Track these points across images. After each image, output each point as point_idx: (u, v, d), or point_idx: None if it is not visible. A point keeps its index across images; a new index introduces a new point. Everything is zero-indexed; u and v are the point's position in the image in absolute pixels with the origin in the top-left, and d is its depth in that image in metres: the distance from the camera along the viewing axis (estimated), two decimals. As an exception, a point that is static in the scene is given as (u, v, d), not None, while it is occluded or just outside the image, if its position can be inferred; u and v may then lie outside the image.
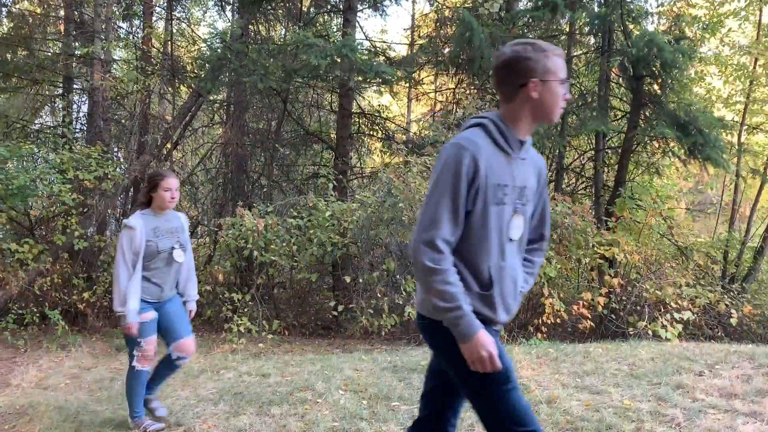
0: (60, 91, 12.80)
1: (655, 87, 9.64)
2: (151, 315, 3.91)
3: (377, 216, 8.09)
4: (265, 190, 12.37)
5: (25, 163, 9.43)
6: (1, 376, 5.97)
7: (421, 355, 5.85)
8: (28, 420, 4.34)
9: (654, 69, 9.16)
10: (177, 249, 4.00)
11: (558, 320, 7.76)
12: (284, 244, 8.21)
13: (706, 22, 10.84)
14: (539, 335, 7.55)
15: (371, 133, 13.62)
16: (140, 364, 3.90)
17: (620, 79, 10.56)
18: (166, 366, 4.10)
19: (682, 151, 9.35)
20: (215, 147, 13.61)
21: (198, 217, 13.58)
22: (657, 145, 10.47)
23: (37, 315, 8.36)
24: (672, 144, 9.74)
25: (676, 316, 7.69)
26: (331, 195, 8.83)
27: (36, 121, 13.20)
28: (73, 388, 5.41)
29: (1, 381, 5.76)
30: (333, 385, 4.80)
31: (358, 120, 13.25)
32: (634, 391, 4.18)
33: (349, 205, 8.37)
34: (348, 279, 8.31)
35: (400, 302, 7.59)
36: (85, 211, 9.41)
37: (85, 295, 8.65)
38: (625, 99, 11.17)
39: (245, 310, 8.28)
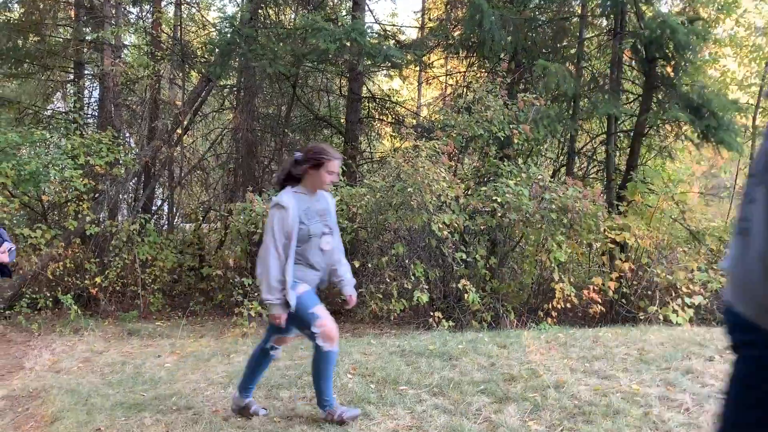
0: (71, 76, 12.86)
1: (668, 69, 9.49)
2: (303, 287, 3.53)
3: (386, 201, 8.07)
4: (275, 175, 12.36)
5: (37, 149, 9.50)
6: (15, 360, 6.06)
7: (429, 340, 5.87)
8: (40, 403, 4.41)
9: (667, 51, 9.01)
10: (326, 235, 3.59)
11: (568, 305, 7.74)
12: (294, 229, 8.20)
13: (722, 3, 10.65)
14: (549, 320, 7.53)
15: (381, 117, 13.56)
16: (326, 342, 3.48)
17: (632, 61, 10.41)
18: (261, 359, 3.79)
19: (695, 134, 9.23)
20: (225, 132, 13.62)
21: (209, 202, 13.63)
22: (669, 129, 10.34)
23: (50, 299, 8.47)
24: (685, 127, 9.61)
25: (688, 300, 7.64)
26: (341, 180, 8.81)
27: (48, 107, 13.26)
28: (85, 371, 5.48)
29: (15, 364, 5.84)
30: (341, 368, 4.82)
31: (367, 104, 13.19)
32: (642, 376, 4.17)
33: (358, 190, 8.35)
34: (357, 264, 8.31)
35: (409, 287, 7.58)
36: (96, 196, 9.48)
37: (97, 279, 8.74)
38: (637, 82, 11.03)
39: (256, 294, 8.32)
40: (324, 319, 3.49)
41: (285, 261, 3.42)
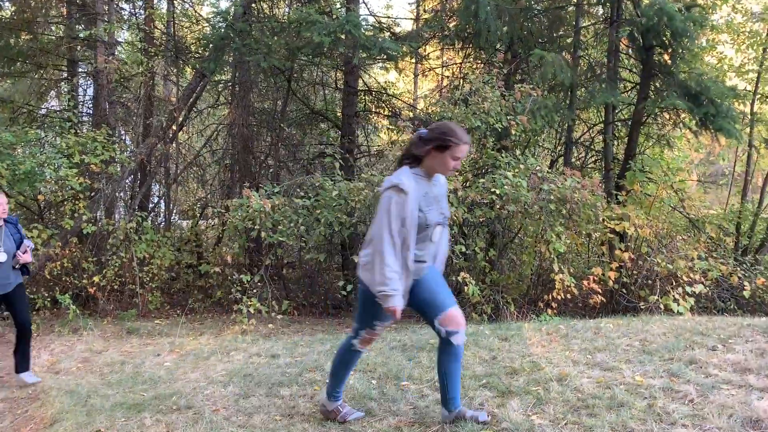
0: (65, 74, 12.76)
1: (666, 57, 9.45)
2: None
3: (384, 194, 8.02)
4: (271, 170, 12.32)
5: (31, 148, 9.43)
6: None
7: (430, 334, 5.83)
8: (40, 405, 4.37)
9: (664, 38, 8.97)
10: (440, 225, 3.27)
11: (568, 296, 7.71)
12: (292, 225, 8.18)
13: (718, -11, 10.60)
14: (549, 311, 7.51)
15: (377, 110, 13.50)
16: (362, 346, 3.42)
17: (629, 49, 10.37)
18: (447, 354, 3.31)
19: (694, 122, 9.19)
20: (221, 128, 13.56)
21: (206, 198, 13.58)
22: (668, 117, 10.31)
23: (48, 299, 8.43)
24: (683, 115, 9.58)
25: (688, 289, 7.62)
26: (338, 174, 8.77)
27: (42, 106, 13.17)
28: (84, 371, 5.45)
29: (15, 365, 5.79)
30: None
31: (364, 98, 13.12)
32: (646, 367, 4.14)
33: (357, 184, 8.30)
34: (356, 258, 8.27)
35: (409, 281, 7.54)
36: (92, 195, 9.42)
37: (95, 278, 8.70)
38: (634, 70, 10.97)
39: (255, 291, 8.29)
40: (376, 334, 3.40)
41: (401, 249, 3.11)
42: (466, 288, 7.49)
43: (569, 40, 10.38)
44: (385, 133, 14.45)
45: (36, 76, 12.69)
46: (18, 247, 4.98)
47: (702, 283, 7.79)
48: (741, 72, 12.04)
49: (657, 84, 9.67)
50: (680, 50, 9.25)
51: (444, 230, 3.37)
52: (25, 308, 5.09)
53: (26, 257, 5.00)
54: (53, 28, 12.46)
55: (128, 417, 3.90)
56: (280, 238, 8.17)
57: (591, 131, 11.79)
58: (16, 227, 5.08)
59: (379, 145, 13.74)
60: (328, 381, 3.63)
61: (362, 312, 3.37)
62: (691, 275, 7.81)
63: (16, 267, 4.98)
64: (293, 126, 13.17)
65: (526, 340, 5.25)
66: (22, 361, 5.16)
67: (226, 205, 8.96)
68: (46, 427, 3.90)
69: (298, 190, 9.02)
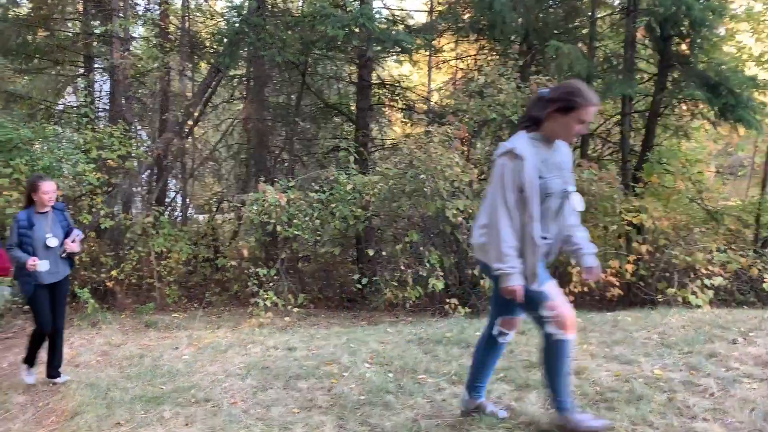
0: (81, 70, 12.86)
1: (684, 47, 9.33)
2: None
3: (399, 188, 8.02)
4: (286, 164, 12.36)
5: (49, 143, 9.52)
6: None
7: (446, 327, 5.83)
8: (61, 397, 4.43)
9: (682, 28, 8.86)
10: (568, 194, 2.93)
11: (585, 289, 7.67)
12: (307, 219, 8.21)
13: (738, -23, 10.43)
14: (566, 304, 7.46)
15: (391, 103, 13.47)
16: (559, 329, 2.92)
17: (647, 40, 10.24)
18: (489, 350, 3.22)
19: (712, 112, 9.08)
20: (236, 123, 13.60)
21: (222, 192, 13.65)
22: (685, 108, 10.18)
23: (68, 293, 8.50)
24: (701, 106, 9.46)
25: (707, 282, 7.55)
26: (353, 168, 8.77)
27: (59, 102, 13.29)
28: (103, 364, 5.50)
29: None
30: (359, 358, 4.80)
31: (378, 91, 13.10)
32: (665, 361, 4.10)
33: (371, 178, 8.31)
34: (371, 252, 8.29)
35: (424, 274, 7.54)
36: (110, 190, 9.50)
37: (113, 272, 8.78)
38: (651, 61, 10.84)
39: (271, 284, 8.33)
40: (556, 300, 2.90)
41: (518, 222, 2.79)
42: (482, 281, 7.48)
43: (585, 31, 10.28)
44: (399, 126, 14.42)
45: (53, 72, 12.80)
46: (67, 235, 4.75)
47: (721, 275, 7.70)
48: (761, 61, 11.83)
49: (675, 75, 9.55)
50: (699, 40, 9.12)
51: (569, 205, 2.96)
52: (63, 310, 4.90)
53: (74, 246, 4.74)
54: (69, 24, 12.57)
55: (147, 410, 3.94)
56: (296, 232, 8.20)
57: (608, 123, 11.68)
58: (63, 214, 4.86)
59: (393, 139, 13.72)
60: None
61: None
62: (710, 267, 7.73)
63: (63, 256, 4.75)
64: (308, 120, 13.18)
65: (543, 333, 5.23)
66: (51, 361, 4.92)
67: (242, 199, 9.01)
68: (67, 419, 3.95)
69: (313, 184, 9.04)
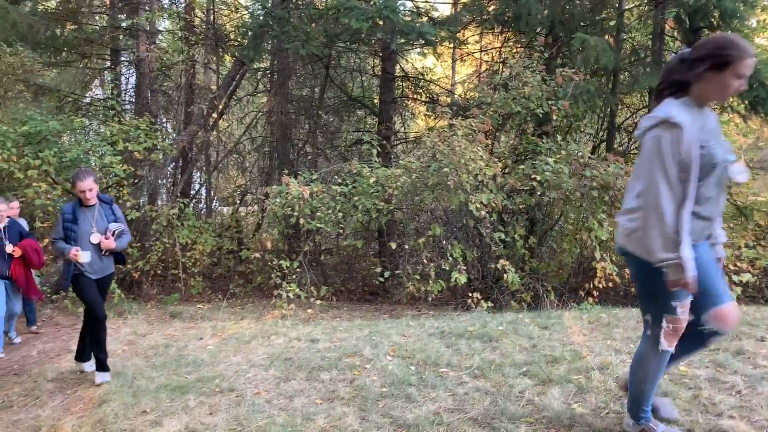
0: (108, 63, 13.04)
1: (714, 39, 9.13)
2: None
3: (422, 181, 8.00)
4: (309, 157, 12.40)
5: (77, 136, 9.67)
6: (63, 343, 6.21)
7: (468, 321, 5.81)
8: (88, 386, 4.51)
9: (712, 20, 8.67)
10: (732, 162, 2.53)
11: (610, 284, 7.58)
12: (330, 212, 8.23)
13: (770, -33, 10.18)
14: (590, 299, 7.40)
15: (415, 96, 13.44)
16: (669, 342, 2.61)
17: (675, 32, 10.05)
18: (692, 341, 2.74)
19: (742, 106, 8.90)
20: (260, 116, 13.68)
21: (246, 185, 13.75)
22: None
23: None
24: (731, 99, 9.26)
25: (735, 278, 7.42)
26: (375, 161, 8.77)
27: (86, 95, 13.49)
28: (129, 354, 5.59)
29: (63, 347, 5.99)
30: (381, 350, 4.81)
31: (401, 84, 13.07)
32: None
33: (394, 171, 8.30)
34: (394, 245, 8.29)
35: (447, 268, 7.53)
36: (136, 182, 9.62)
37: (139, 263, 8.91)
38: (680, 53, 10.63)
39: (294, 276, 8.38)
40: (682, 320, 2.57)
41: (682, 202, 2.43)
42: (505, 276, 7.44)
43: (612, 23, 10.12)
44: (422, 119, 14.37)
45: (81, 65, 13.00)
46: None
47: (749, 272, 7.56)
48: (793, 53, 11.56)
49: (704, 67, 9.35)
50: (729, 32, 8.93)
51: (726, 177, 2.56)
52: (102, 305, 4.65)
53: (108, 243, 4.50)
54: (97, 18, 12.73)
55: (173, 399, 4.00)
56: (319, 225, 8.23)
57: (634, 116, 11.51)
58: (111, 208, 4.67)
59: (416, 132, 13.69)
60: (628, 399, 2.86)
61: (646, 296, 2.64)
62: (738, 264, 7.60)
63: (105, 254, 4.57)
64: (331, 113, 13.21)
65: (566, 328, 5.19)
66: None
67: (265, 191, 9.07)
68: (94, 407, 4.02)
69: (336, 177, 9.06)
